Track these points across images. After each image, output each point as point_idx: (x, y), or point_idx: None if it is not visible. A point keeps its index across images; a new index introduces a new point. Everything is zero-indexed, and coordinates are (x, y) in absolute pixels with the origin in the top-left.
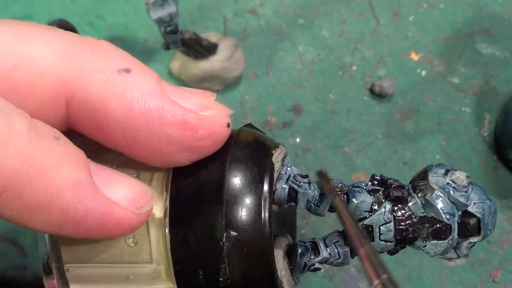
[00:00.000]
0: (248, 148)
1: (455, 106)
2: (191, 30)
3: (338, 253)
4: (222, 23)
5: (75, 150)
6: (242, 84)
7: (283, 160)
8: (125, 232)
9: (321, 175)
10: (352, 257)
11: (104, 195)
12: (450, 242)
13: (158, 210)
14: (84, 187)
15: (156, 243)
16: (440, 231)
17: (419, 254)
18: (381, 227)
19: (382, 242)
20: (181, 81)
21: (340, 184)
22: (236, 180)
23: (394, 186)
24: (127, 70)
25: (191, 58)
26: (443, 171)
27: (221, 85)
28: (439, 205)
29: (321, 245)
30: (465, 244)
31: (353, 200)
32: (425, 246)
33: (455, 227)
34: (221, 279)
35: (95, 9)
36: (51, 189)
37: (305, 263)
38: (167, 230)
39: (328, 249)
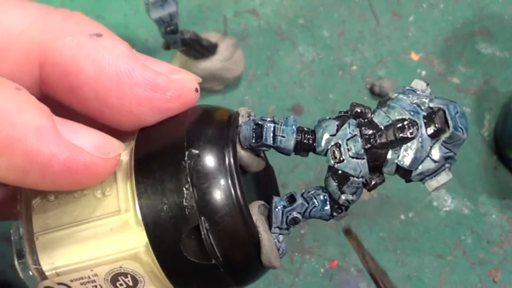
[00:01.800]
0: (209, 107)
1: None
2: (191, 30)
3: (316, 200)
4: (222, 23)
5: (37, 101)
6: (242, 84)
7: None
8: (94, 178)
9: (348, 232)
10: (332, 205)
11: (69, 141)
12: (421, 141)
13: (124, 155)
14: (47, 132)
15: (123, 190)
16: (407, 128)
17: (419, 254)
18: (348, 141)
19: (352, 159)
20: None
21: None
22: (199, 117)
23: (355, 104)
24: (99, 35)
25: (191, 58)
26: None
27: (221, 85)
28: (402, 104)
29: (297, 194)
30: (438, 145)
31: (319, 129)
32: (398, 156)
33: (422, 123)
34: (186, 203)
35: (95, 9)
36: (12, 132)
37: (283, 213)
38: (133, 172)
39: (304, 196)
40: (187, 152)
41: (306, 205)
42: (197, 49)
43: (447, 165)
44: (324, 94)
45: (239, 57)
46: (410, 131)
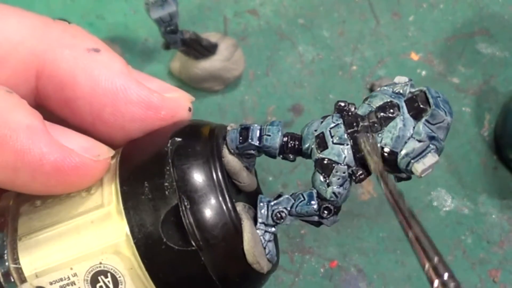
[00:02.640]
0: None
1: (455, 106)
2: (191, 30)
3: (303, 195)
4: (222, 23)
5: (27, 104)
6: (242, 84)
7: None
8: (85, 180)
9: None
10: (320, 203)
11: (59, 142)
12: (403, 120)
13: (112, 161)
14: (38, 132)
15: (108, 187)
16: (388, 108)
17: None
18: (331, 130)
19: (336, 145)
20: (181, 81)
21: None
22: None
23: (338, 102)
24: (96, 50)
25: (191, 58)
26: None
27: (221, 85)
28: (384, 92)
29: (284, 193)
30: (421, 125)
31: (304, 129)
32: (382, 139)
33: (403, 104)
34: (166, 184)
35: (95, 9)
36: (3, 129)
37: (268, 207)
38: (117, 168)
39: (291, 194)
40: (170, 140)
41: (292, 200)
42: (197, 49)
43: (432, 146)
44: (324, 94)
45: (239, 57)
46: (391, 110)
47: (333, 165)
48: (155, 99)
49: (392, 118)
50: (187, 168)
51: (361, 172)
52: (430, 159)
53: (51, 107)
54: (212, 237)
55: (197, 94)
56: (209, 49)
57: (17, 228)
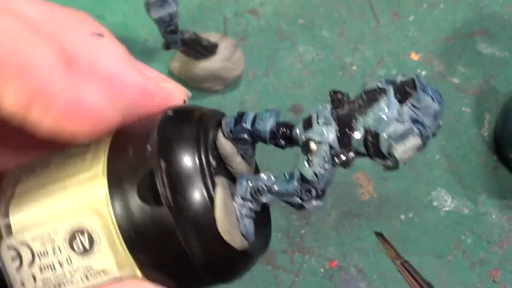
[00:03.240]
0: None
1: (455, 106)
2: (191, 30)
3: (284, 174)
4: (222, 23)
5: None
6: (242, 84)
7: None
8: (92, 124)
9: (382, 237)
10: (302, 185)
11: (79, 81)
12: (387, 101)
13: (108, 138)
14: (60, 67)
15: (101, 151)
16: (375, 93)
17: (419, 254)
18: (318, 113)
19: (319, 125)
20: (181, 81)
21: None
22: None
23: (334, 92)
24: (100, 35)
25: (191, 58)
26: None
27: (221, 85)
28: (377, 80)
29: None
30: (406, 108)
31: (297, 121)
32: (365, 124)
33: (390, 89)
34: (148, 146)
35: (95, 9)
36: (27, 58)
37: (247, 181)
38: (110, 138)
39: (269, 175)
40: (162, 113)
41: (273, 179)
42: (197, 49)
43: (415, 129)
44: (324, 94)
45: (239, 57)
46: (377, 92)
47: (315, 144)
48: (151, 86)
49: (376, 100)
50: (171, 135)
51: (345, 155)
52: (411, 141)
53: None
54: (184, 200)
55: (197, 94)
56: (209, 49)
57: (14, 191)
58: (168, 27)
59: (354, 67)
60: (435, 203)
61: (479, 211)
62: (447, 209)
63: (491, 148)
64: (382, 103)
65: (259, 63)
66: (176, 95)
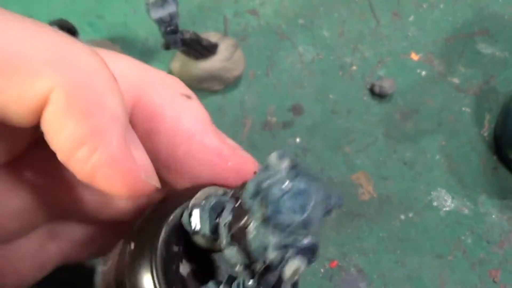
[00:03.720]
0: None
1: (455, 106)
2: (191, 30)
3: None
4: (222, 23)
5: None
6: (242, 84)
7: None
8: (128, 188)
9: None
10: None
11: (130, 148)
12: (255, 227)
13: None
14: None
15: None
16: (240, 218)
17: (419, 254)
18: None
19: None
20: (181, 81)
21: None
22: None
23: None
24: (188, 97)
25: (191, 58)
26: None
27: (221, 85)
28: (247, 193)
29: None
30: (270, 237)
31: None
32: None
33: (255, 207)
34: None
35: (95, 9)
36: (103, 116)
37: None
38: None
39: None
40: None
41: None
42: (197, 49)
43: (290, 253)
44: (324, 94)
45: (239, 57)
46: (243, 220)
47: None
48: (226, 150)
49: (244, 229)
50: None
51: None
52: (290, 268)
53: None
54: None
55: (197, 94)
56: (209, 49)
57: None
58: (168, 27)
59: (354, 67)
60: (435, 203)
61: (479, 211)
62: (447, 209)
63: (491, 148)
64: (252, 230)
65: (259, 63)
66: (248, 163)
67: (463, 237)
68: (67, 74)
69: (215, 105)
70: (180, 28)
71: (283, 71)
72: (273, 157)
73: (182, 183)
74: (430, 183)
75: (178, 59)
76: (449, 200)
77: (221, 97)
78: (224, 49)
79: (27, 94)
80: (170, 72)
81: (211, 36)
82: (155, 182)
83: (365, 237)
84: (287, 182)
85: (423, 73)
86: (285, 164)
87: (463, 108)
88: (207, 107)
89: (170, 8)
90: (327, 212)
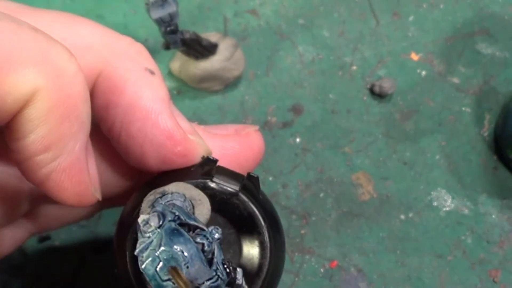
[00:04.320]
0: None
1: (455, 106)
2: (191, 30)
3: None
4: (222, 23)
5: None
6: (242, 84)
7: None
8: (77, 197)
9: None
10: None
11: (87, 160)
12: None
13: None
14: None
15: None
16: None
17: (419, 254)
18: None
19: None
20: (181, 81)
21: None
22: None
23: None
24: (152, 72)
25: (191, 58)
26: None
27: (221, 85)
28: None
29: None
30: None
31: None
32: None
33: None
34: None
35: (95, 9)
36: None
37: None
38: None
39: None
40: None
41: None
42: (197, 49)
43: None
44: (324, 94)
45: (239, 57)
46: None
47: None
48: (178, 135)
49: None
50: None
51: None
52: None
53: (92, 106)
54: None
55: (197, 94)
56: (209, 49)
57: None
58: (168, 27)
59: (354, 67)
60: (435, 203)
61: (479, 211)
62: (447, 209)
63: (491, 148)
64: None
65: (259, 63)
66: (197, 149)
67: (463, 237)
68: (51, 77)
69: (215, 105)
70: (180, 28)
71: (283, 71)
72: (141, 222)
73: (129, 159)
74: (430, 183)
75: (178, 59)
76: (449, 200)
77: (221, 97)
78: (224, 49)
79: (10, 95)
80: (170, 72)
81: (211, 36)
82: (98, 195)
83: (365, 237)
84: (158, 251)
85: (423, 73)
86: (152, 227)
87: (463, 108)
88: (207, 107)
89: (170, 8)
90: (209, 252)
